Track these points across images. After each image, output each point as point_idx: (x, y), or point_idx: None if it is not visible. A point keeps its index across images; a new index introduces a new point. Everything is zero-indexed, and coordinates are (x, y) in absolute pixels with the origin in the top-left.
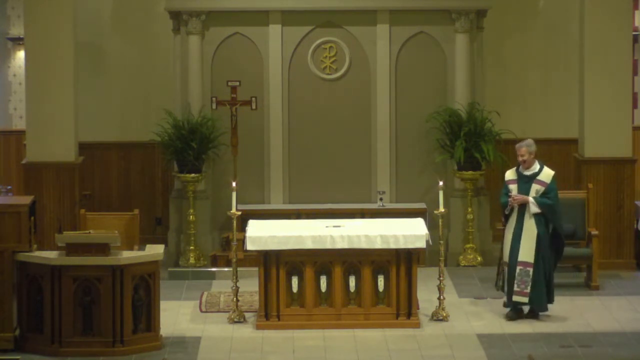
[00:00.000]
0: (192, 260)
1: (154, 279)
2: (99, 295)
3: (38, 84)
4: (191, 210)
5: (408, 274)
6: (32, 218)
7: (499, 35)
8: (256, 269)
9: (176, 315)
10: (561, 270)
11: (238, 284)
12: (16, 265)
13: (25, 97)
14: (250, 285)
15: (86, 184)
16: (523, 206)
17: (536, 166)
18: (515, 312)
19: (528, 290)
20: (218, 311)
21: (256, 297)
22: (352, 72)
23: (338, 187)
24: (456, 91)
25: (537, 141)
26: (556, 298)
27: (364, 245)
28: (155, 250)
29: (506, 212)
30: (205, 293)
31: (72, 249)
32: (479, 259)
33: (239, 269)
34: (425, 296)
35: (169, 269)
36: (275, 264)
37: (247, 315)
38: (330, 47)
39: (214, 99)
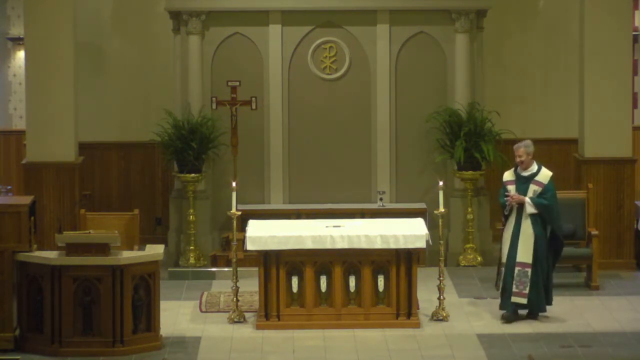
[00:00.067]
0: (192, 260)
1: (154, 279)
2: (99, 295)
3: (38, 84)
4: (191, 210)
5: (408, 274)
6: (32, 218)
7: (499, 35)
8: (256, 269)
9: (176, 315)
10: (561, 270)
11: (238, 284)
12: (16, 265)
13: (25, 97)
14: (250, 285)
15: (86, 184)
16: (521, 207)
17: (534, 167)
18: (511, 314)
19: (527, 291)
20: (218, 311)
21: (256, 297)
22: (352, 72)
23: (338, 187)
24: (456, 91)
25: (537, 141)
26: (556, 298)
27: (364, 245)
28: (155, 250)
29: (505, 213)
30: (205, 293)
31: (72, 249)
32: (479, 259)
33: (239, 269)
34: (425, 296)
35: (169, 269)
36: (275, 264)
37: (247, 315)
38: (330, 47)
39: (214, 99)
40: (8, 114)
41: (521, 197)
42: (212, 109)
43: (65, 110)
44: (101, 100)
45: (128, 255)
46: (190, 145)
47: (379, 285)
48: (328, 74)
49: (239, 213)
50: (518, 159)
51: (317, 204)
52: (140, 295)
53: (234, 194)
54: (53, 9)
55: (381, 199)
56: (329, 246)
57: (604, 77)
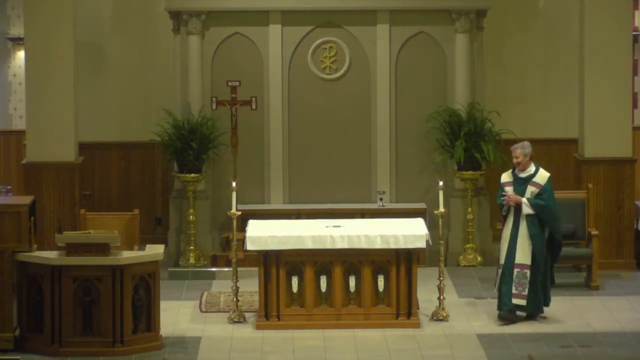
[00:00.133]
0: (192, 260)
1: (154, 279)
2: (99, 295)
3: (38, 84)
4: (191, 210)
5: (408, 274)
6: (32, 218)
7: (499, 35)
8: (256, 269)
9: (176, 315)
10: (561, 270)
11: (238, 284)
12: (16, 265)
13: (25, 97)
14: (250, 285)
15: (86, 184)
16: (519, 208)
17: (532, 168)
18: (507, 313)
19: (525, 292)
20: (218, 311)
21: (256, 297)
22: (352, 72)
23: (338, 187)
24: (456, 91)
25: (537, 141)
26: (556, 298)
27: (364, 245)
28: (155, 250)
29: (503, 214)
30: (205, 293)
31: (72, 249)
32: (479, 259)
33: (239, 269)
34: (425, 296)
35: (169, 269)
36: (275, 264)
37: (247, 315)
38: (330, 47)
39: (214, 99)
40: (8, 114)
41: (518, 197)
42: (212, 109)
43: (65, 110)
44: (101, 100)
45: (128, 255)
46: (190, 145)
47: (379, 285)
48: (328, 74)
49: (239, 213)
50: (515, 160)
51: (317, 204)
52: (140, 295)
53: (234, 194)
54: (53, 9)
55: (381, 199)
56: (329, 246)
57: (604, 77)
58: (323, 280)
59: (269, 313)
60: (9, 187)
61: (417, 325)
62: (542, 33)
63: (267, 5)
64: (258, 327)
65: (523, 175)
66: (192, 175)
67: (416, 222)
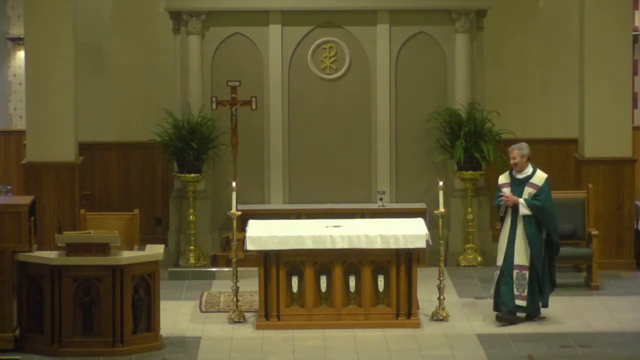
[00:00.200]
0: (192, 260)
1: (154, 279)
2: (99, 295)
3: (38, 84)
4: (191, 210)
5: (408, 274)
6: (32, 218)
7: (499, 35)
8: (256, 269)
9: (176, 315)
10: (561, 270)
11: (238, 284)
12: (16, 265)
13: (25, 97)
14: (250, 285)
15: (86, 184)
16: (516, 209)
17: (529, 169)
18: (507, 314)
19: (525, 293)
20: (218, 311)
21: (256, 297)
22: (352, 72)
23: (338, 187)
24: (456, 91)
25: (537, 141)
26: (556, 298)
27: (364, 245)
28: (155, 250)
29: (500, 215)
30: (205, 293)
31: (72, 249)
32: (479, 259)
33: (239, 269)
34: (425, 296)
35: (169, 269)
36: (275, 264)
37: (247, 315)
38: (330, 47)
39: (214, 99)
40: (8, 114)
41: (515, 197)
42: (212, 109)
43: (65, 110)
44: (101, 100)
45: (128, 255)
46: (190, 145)
47: (379, 285)
48: (328, 74)
49: (239, 213)
50: (512, 161)
51: (317, 204)
52: (140, 295)
53: (234, 194)
54: (53, 9)
55: (381, 199)
56: (329, 246)
57: (604, 77)
58: (323, 280)
59: (269, 313)
60: (9, 187)
61: (417, 325)
62: (542, 33)
63: (267, 5)
64: (258, 327)
65: (520, 176)
66: (192, 175)
67: (416, 222)
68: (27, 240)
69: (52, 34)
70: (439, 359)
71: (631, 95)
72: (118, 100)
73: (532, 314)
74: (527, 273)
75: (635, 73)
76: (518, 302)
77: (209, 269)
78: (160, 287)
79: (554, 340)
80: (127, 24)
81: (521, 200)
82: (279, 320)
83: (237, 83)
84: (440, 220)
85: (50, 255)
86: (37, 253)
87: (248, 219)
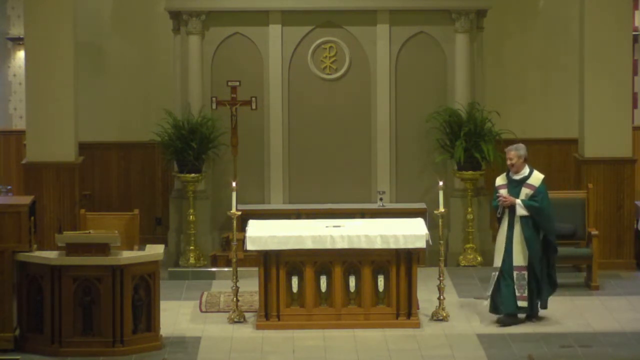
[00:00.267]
0: (192, 260)
1: (154, 279)
2: (99, 295)
3: (38, 84)
4: (191, 210)
5: (408, 274)
6: (32, 218)
7: (499, 35)
8: (256, 269)
9: (176, 315)
10: (561, 270)
11: (238, 284)
12: (16, 265)
13: (25, 97)
14: (250, 285)
15: (86, 184)
16: (513, 210)
17: (526, 170)
18: (507, 317)
19: (526, 294)
20: (218, 311)
21: (256, 297)
22: (352, 72)
23: (338, 187)
24: (456, 91)
25: (537, 141)
26: (556, 298)
27: (364, 245)
28: (155, 250)
29: (498, 216)
30: (205, 293)
31: (72, 249)
32: (479, 259)
33: (239, 269)
34: (425, 296)
35: (169, 269)
36: (275, 264)
37: (247, 315)
38: (330, 47)
39: (214, 99)
40: (8, 114)
41: (512, 198)
42: (212, 109)
43: (65, 110)
44: (101, 100)
45: (128, 255)
46: (190, 145)
47: (379, 285)
48: (328, 74)
49: (239, 213)
50: (509, 162)
51: (317, 204)
52: (140, 295)
53: (234, 194)
54: (53, 9)
55: (381, 199)
56: (329, 246)
57: (604, 77)
58: (323, 280)
59: (269, 313)
60: (9, 187)
61: (417, 325)
62: (542, 33)
63: (267, 5)
64: (258, 327)
65: (517, 177)
66: (192, 175)
67: (416, 222)
68: (27, 240)
69: (52, 34)
70: (439, 359)
71: (631, 95)
72: (118, 100)
73: (532, 315)
74: (525, 273)
75: (635, 73)
76: (520, 303)
77: (209, 269)
78: (160, 287)
79: (554, 340)
80: (127, 24)
81: (518, 201)
82: (279, 320)
83: (237, 83)
84: (440, 220)
85: (50, 255)
86: (37, 253)
87: (248, 219)
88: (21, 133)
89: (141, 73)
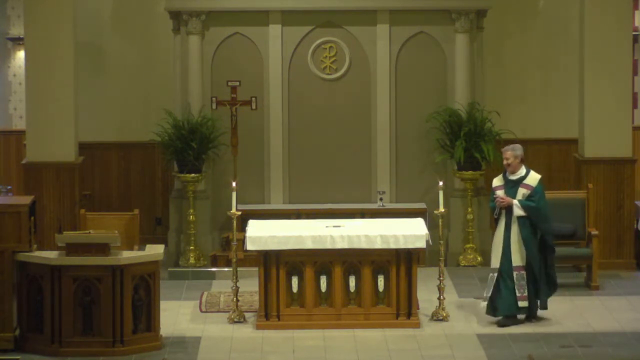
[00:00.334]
0: (192, 260)
1: (154, 279)
2: (99, 295)
3: (38, 84)
4: (191, 210)
5: (408, 274)
6: (32, 218)
7: (499, 35)
8: (256, 269)
9: (176, 315)
10: (561, 270)
11: (238, 284)
12: (16, 265)
13: (25, 97)
14: (250, 285)
15: (86, 184)
16: (510, 210)
17: (522, 170)
18: (507, 318)
19: (526, 294)
20: (218, 311)
21: (256, 297)
22: (352, 72)
23: (338, 187)
24: (456, 91)
25: (537, 141)
26: (556, 298)
27: (364, 245)
28: (155, 250)
29: (495, 216)
30: (205, 293)
31: (72, 249)
32: (479, 259)
33: (239, 269)
34: (425, 296)
35: (169, 269)
36: (275, 264)
37: (247, 315)
38: (330, 47)
39: (214, 99)
40: (8, 114)
41: (509, 199)
42: (212, 109)
43: (65, 110)
44: (101, 100)
45: (128, 255)
46: (190, 145)
47: (379, 285)
48: (328, 74)
49: (239, 213)
50: (505, 162)
51: (317, 204)
52: (140, 295)
53: (234, 194)
54: (53, 9)
55: (381, 199)
56: (329, 246)
57: (604, 77)
58: (323, 280)
59: (269, 313)
60: (9, 187)
61: (417, 325)
62: (542, 33)
63: (267, 5)
64: (258, 327)
65: (514, 177)
66: (192, 175)
67: (416, 222)
68: (27, 240)
69: (52, 34)
70: (439, 359)
71: (631, 95)
72: (118, 100)
73: (532, 315)
74: (524, 273)
75: (635, 73)
76: (521, 304)
77: (209, 269)
78: (160, 287)
79: (554, 340)
80: (127, 24)
81: (515, 202)
82: (279, 320)
83: (237, 83)
84: (440, 220)
85: (50, 255)
86: (37, 253)
87: (248, 219)
88: (21, 133)
89: (141, 73)
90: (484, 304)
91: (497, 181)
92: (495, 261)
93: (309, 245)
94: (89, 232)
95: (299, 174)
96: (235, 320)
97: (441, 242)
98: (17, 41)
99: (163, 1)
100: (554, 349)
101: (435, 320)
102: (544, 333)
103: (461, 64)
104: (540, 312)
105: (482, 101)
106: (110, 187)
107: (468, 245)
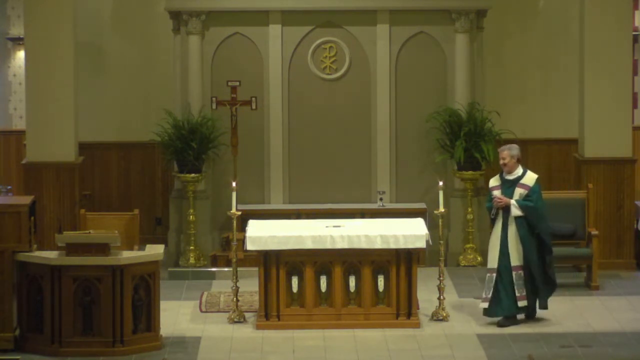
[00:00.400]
0: (192, 260)
1: (154, 279)
2: (99, 295)
3: (38, 84)
4: (191, 210)
5: (408, 274)
6: (32, 218)
7: (499, 35)
8: (256, 269)
9: (176, 315)
10: (561, 270)
11: (238, 284)
12: (16, 265)
13: (25, 97)
14: (250, 285)
15: (86, 184)
16: (507, 211)
17: (519, 170)
18: (506, 319)
19: (525, 293)
20: (218, 311)
21: (256, 297)
22: (352, 72)
23: (338, 187)
24: (456, 91)
25: (537, 141)
26: (556, 298)
27: (364, 245)
28: (155, 250)
29: (492, 217)
30: (205, 293)
31: (72, 249)
32: (479, 259)
33: (239, 269)
34: (425, 296)
35: (169, 269)
36: (275, 264)
37: (247, 315)
38: (330, 47)
39: (214, 99)
40: (8, 114)
41: (507, 199)
42: (212, 109)
43: (65, 110)
44: (101, 100)
45: (128, 255)
46: (190, 145)
47: (379, 285)
48: (328, 74)
49: (239, 213)
50: (501, 162)
51: (317, 204)
52: (140, 295)
53: (234, 194)
54: (53, 9)
55: (381, 199)
56: (329, 246)
57: (604, 77)
58: (323, 280)
59: (269, 313)
60: (9, 187)
61: (417, 325)
62: (542, 33)
63: (267, 5)
64: (258, 327)
65: (510, 177)
66: (192, 175)
67: (416, 222)
68: (27, 240)
69: (52, 34)
70: (439, 359)
71: (631, 95)
72: (118, 100)
73: (531, 314)
74: (522, 273)
75: (635, 73)
76: (520, 303)
77: (209, 269)
78: (160, 287)
79: (554, 340)
80: (127, 24)
81: (513, 202)
82: (279, 320)
83: (237, 83)
84: (440, 220)
85: (50, 255)
86: (37, 253)
87: (248, 219)
88: (21, 133)
89: (141, 73)
90: (483, 304)
91: (493, 181)
92: (493, 261)
93: (309, 245)
94: (89, 232)
95: (299, 174)
96: (235, 320)
97: (441, 242)
98: (17, 41)
99: (163, 1)
100: (554, 349)
101: (435, 320)
102: (544, 333)
103: (461, 64)
104: (540, 312)
105: (482, 101)
106: (110, 187)
107: (468, 245)
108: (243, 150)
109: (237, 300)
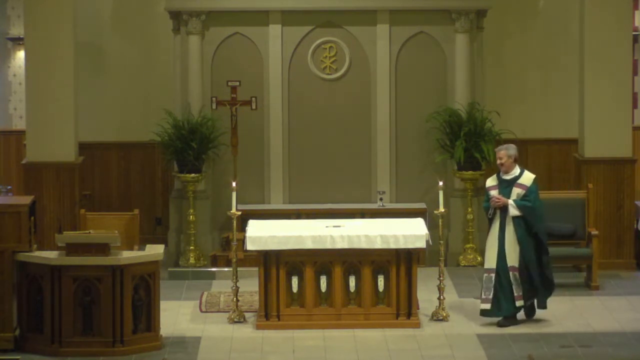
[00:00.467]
0: (192, 260)
1: (154, 279)
2: (99, 295)
3: (38, 84)
4: (191, 210)
5: (408, 274)
6: (32, 218)
7: (499, 35)
8: (256, 269)
9: (176, 315)
10: (561, 270)
11: (238, 284)
12: (16, 265)
13: (25, 97)
14: (250, 285)
15: (86, 184)
16: (504, 211)
17: (516, 170)
18: (505, 320)
19: (522, 293)
20: (218, 311)
21: (256, 297)
22: (352, 72)
23: (338, 187)
24: (456, 91)
25: (537, 141)
26: (556, 298)
27: (364, 245)
28: (155, 250)
29: (489, 217)
30: (205, 293)
31: (72, 249)
32: (479, 259)
33: (239, 269)
34: (425, 296)
35: (169, 269)
36: (275, 264)
37: (247, 315)
38: (330, 47)
39: (214, 99)
40: (8, 114)
41: (504, 199)
42: (212, 109)
43: (65, 110)
44: (101, 100)
45: (128, 255)
46: (190, 145)
47: (379, 285)
48: (328, 74)
49: (239, 213)
50: (498, 161)
51: (317, 204)
52: (140, 295)
53: (234, 194)
54: (53, 9)
55: (381, 199)
56: (329, 246)
57: (604, 77)
58: (323, 280)
59: (269, 313)
60: (9, 187)
61: (417, 325)
62: (542, 33)
63: (267, 5)
64: (258, 327)
65: (508, 177)
66: (192, 175)
67: (416, 222)
68: (27, 240)
69: (52, 34)
70: (439, 359)
71: (631, 95)
72: (118, 100)
73: (530, 314)
74: (517, 274)
75: (635, 73)
76: (519, 303)
77: (209, 269)
78: (160, 287)
79: (554, 340)
80: (127, 24)
81: (510, 202)
82: (279, 320)
83: (237, 83)
84: (440, 220)
85: (50, 255)
86: (37, 253)
87: (248, 219)
88: (21, 133)
89: (141, 73)
90: (483, 305)
91: (491, 181)
92: (491, 262)
93: (309, 245)
94: (89, 232)
95: (299, 174)
96: (235, 320)
97: (441, 242)
98: (17, 41)
99: (163, 1)
100: (554, 349)
101: (435, 320)
102: (544, 333)
103: (461, 64)
104: (539, 312)
105: (482, 101)
106: (110, 187)
107: (468, 245)
108: (243, 150)
109: (237, 300)
